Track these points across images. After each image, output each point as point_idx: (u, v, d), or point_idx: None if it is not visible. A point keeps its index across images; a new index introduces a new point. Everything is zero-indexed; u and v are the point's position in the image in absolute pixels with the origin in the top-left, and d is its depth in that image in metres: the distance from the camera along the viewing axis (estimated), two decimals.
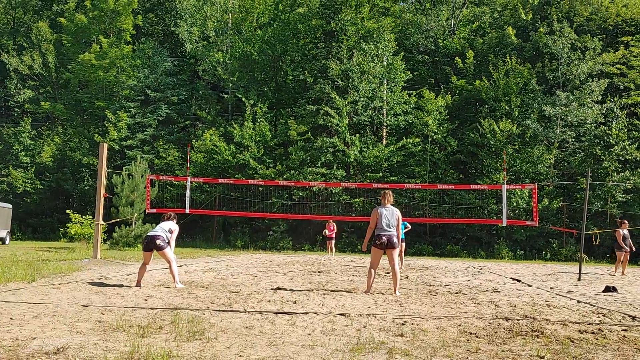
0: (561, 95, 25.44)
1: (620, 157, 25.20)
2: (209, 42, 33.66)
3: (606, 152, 25.13)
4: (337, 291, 8.68)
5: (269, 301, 7.27)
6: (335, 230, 19.62)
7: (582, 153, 26.26)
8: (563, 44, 26.49)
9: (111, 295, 7.43)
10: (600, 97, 26.05)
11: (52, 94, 35.14)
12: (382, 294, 8.46)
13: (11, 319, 5.48)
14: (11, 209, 26.28)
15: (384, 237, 8.26)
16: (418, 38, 32.27)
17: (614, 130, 25.20)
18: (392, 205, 8.52)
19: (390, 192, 8.63)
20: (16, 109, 35.65)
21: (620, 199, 24.52)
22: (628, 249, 13.93)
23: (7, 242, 24.76)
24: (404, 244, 14.79)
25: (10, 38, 37.43)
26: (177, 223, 9.25)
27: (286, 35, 30.44)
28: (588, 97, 25.60)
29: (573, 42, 26.83)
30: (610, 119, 25.92)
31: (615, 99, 26.23)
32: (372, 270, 8.51)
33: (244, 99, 28.81)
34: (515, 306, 7.37)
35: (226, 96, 32.15)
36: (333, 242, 19.61)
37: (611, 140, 25.13)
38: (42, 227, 31.02)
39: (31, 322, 5.35)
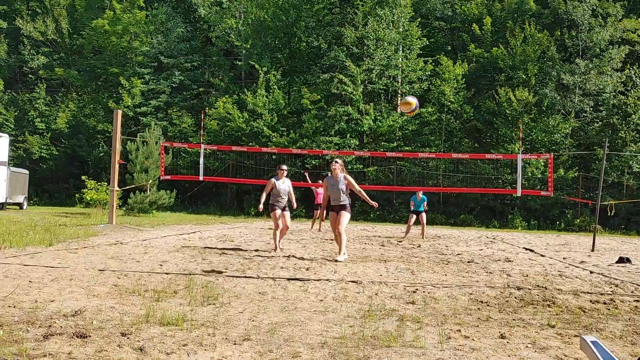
0: (580, 64, 24.90)
1: (639, 127, 24.77)
2: (221, 8, 33.26)
3: (623, 122, 24.71)
4: (350, 259, 8.74)
5: (282, 268, 7.35)
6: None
7: (600, 123, 25.84)
8: (584, 10, 25.79)
9: (127, 260, 7.55)
10: (621, 64, 25.47)
11: (66, 60, 35.11)
12: (394, 262, 8.51)
13: (30, 282, 5.60)
14: (28, 174, 26.61)
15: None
16: (435, 3, 31.57)
17: (632, 99, 24.71)
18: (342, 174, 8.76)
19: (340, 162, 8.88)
20: (30, 76, 35.74)
21: (637, 169, 24.19)
22: None
23: (24, 207, 25.15)
24: (424, 215, 14.65)
25: (23, 3, 37.24)
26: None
27: (300, 0, 29.96)
28: (608, 64, 25.04)
29: (594, 7, 26.11)
30: (629, 88, 25.40)
31: (635, 67, 25.63)
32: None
33: (257, 66, 28.56)
34: (527, 276, 7.38)
35: (239, 63, 31.91)
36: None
37: (629, 110, 24.67)
38: (58, 192, 31.42)
39: (49, 285, 5.46)
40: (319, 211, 15.89)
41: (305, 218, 25.24)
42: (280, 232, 9.61)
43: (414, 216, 14.34)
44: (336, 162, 8.77)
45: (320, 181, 17.94)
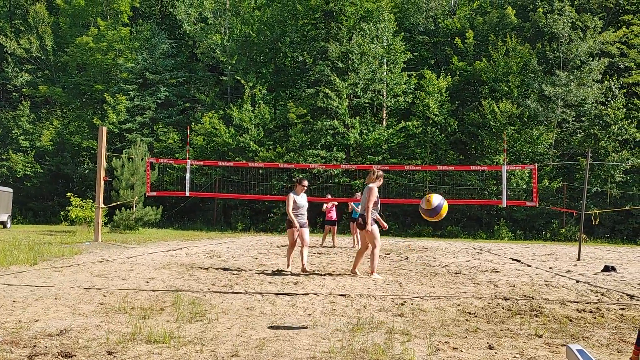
0: (561, 75, 25.30)
1: (619, 137, 25.14)
2: (206, 24, 33.36)
3: (604, 132, 25.08)
4: (338, 272, 8.73)
5: (270, 282, 7.32)
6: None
7: (582, 133, 26.22)
8: (564, 23, 26.27)
9: (113, 278, 7.48)
10: (600, 76, 25.91)
11: (50, 78, 34.94)
12: (382, 274, 8.51)
13: (14, 301, 5.52)
14: (12, 192, 26.30)
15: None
16: (418, 18, 31.97)
17: (611, 109, 25.11)
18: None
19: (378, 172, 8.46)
20: (14, 93, 35.47)
21: (619, 179, 24.53)
22: None
23: (8, 226, 24.83)
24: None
25: (7, 21, 37.08)
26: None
27: (285, 16, 30.15)
28: (588, 76, 25.47)
29: (573, 21, 26.61)
30: (609, 99, 25.84)
31: (614, 78, 26.09)
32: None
33: (242, 81, 28.65)
34: (514, 286, 7.42)
35: (225, 78, 31.97)
36: (335, 227, 15.92)
37: (609, 120, 25.06)
38: (43, 210, 31.07)
39: (34, 304, 5.39)
40: (329, 227, 15.73)
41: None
42: (300, 251, 8.89)
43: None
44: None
45: (329, 195, 17.91)
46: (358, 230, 8.46)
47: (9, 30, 35.44)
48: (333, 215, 15.64)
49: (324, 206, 15.71)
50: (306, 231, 8.89)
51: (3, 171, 31.20)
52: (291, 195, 8.85)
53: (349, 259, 11.34)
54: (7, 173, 31.19)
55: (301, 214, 8.91)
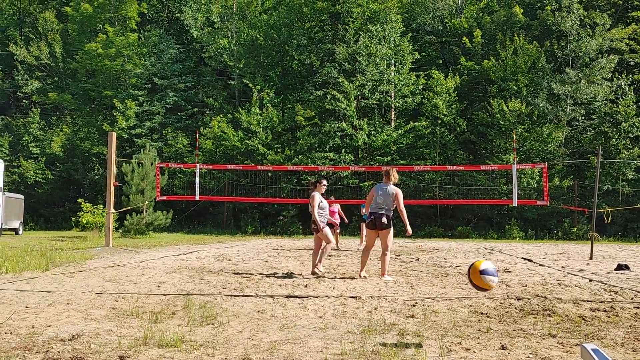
0: (570, 73, 25.13)
1: (630, 134, 24.94)
2: (214, 28, 33.50)
3: (615, 129, 24.89)
4: (348, 274, 8.71)
5: (280, 285, 7.31)
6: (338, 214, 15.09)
7: (593, 131, 26.03)
8: (572, 21, 26.10)
9: (124, 283, 7.50)
10: (610, 74, 25.72)
11: (60, 85, 35.22)
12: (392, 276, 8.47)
13: (26, 307, 5.55)
14: (23, 199, 26.51)
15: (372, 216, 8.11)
16: (425, 18, 31.91)
17: (622, 107, 24.92)
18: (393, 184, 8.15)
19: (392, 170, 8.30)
20: (24, 100, 35.79)
21: (631, 176, 24.31)
22: None
23: (20, 232, 25.03)
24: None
25: (16, 29, 37.45)
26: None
27: (291, 18, 30.22)
28: (598, 74, 25.29)
29: (582, 18, 26.44)
30: (619, 96, 25.65)
31: (623, 75, 25.89)
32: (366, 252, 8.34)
33: (250, 85, 28.73)
34: (526, 286, 7.36)
35: (233, 82, 32.08)
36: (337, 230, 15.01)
37: (619, 117, 24.86)
38: (54, 217, 31.29)
39: (46, 310, 5.41)
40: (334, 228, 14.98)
41: (302, 235, 25.18)
42: (314, 252, 8.64)
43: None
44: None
45: (333, 197, 17.74)
46: (366, 230, 8.41)
47: (18, 38, 35.78)
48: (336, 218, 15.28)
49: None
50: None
51: (14, 178, 31.46)
52: (316, 195, 8.52)
53: (359, 260, 11.31)
54: (18, 180, 31.45)
55: (324, 214, 8.68)
